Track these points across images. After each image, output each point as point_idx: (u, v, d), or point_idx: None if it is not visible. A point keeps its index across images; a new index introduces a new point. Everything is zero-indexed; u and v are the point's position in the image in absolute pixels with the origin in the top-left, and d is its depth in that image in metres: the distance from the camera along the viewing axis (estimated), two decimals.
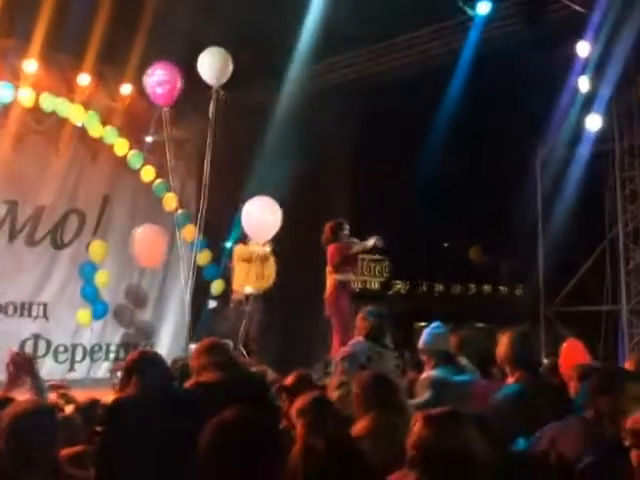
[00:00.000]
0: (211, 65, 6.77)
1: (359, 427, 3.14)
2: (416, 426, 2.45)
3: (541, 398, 3.58)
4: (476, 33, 8.44)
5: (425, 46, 8.94)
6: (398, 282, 12.82)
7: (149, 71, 6.85)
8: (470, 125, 9.84)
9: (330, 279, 7.61)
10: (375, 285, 12.59)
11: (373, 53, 9.30)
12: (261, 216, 7.72)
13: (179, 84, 6.85)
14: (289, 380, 4.11)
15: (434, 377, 3.94)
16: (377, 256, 12.04)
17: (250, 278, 8.22)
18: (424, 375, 4.03)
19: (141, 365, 3.21)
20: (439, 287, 13.56)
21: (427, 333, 4.45)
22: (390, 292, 12.65)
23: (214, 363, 3.62)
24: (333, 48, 9.11)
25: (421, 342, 4.45)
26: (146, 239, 8.57)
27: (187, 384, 3.61)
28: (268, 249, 8.61)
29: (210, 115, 6.77)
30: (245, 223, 7.79)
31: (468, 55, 8.67)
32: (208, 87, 7.74)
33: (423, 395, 4.06)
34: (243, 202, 8.19)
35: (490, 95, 9.23)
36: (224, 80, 6.84)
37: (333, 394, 4.38)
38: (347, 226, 7.69)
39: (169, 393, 3.18)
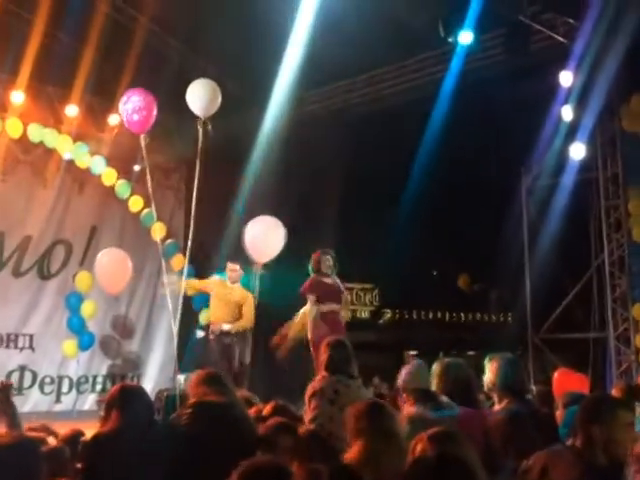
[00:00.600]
0: (200, 97, 6.81)
1: (349, 455, 3.13)
2: (419, 446, 2.52)
3: (529, 425, 3.57)
4: (458, 63, 8.55)
5: (409, 76, 9.04)
6: (388, 310, 12.84)
7: (124, 98, 6.87)
8: (455, 154, 9.94)
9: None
10: (365, 314, 12.59)
11: (357, 84, 9.39)
12: (264, 235, 7.69)
13: (155, 111, 6.89)
14: (266, 410, 4.10)
15: (412, 414, 3.92)
16: (367, 285, 12.05)
17: (227, 318, 8.14)
18: (403, 413, 4.01)
19: (121, 400, 3.20)
20: (428, 315, 13.60)
21: (406, 372, 4.43)
22: (380, 321, 12.65)
23: (213, 392, 3.64)
24: (317, 79, 9.20)
25: (400, 380, 4.43)
26: (110, 265, 8.48)
27: (187, 404, 3.65)
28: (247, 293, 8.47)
29: (199, 146, 6.79)
30: (247, 242, 7.75)
31: (450, 85, 8.77)
32: (194, 117, 7.79)
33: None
34: (229, 230, 8.20)
35: (475, 124, 9.36)
36: (212, 112, 6.88)
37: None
38: (328, 257, 7.66)
39: (150, 428, 3.16)
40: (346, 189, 10.39)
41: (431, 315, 13.46)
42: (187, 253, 7.20)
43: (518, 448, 3.26)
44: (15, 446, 2.69)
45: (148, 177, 6.91)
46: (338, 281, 7.74)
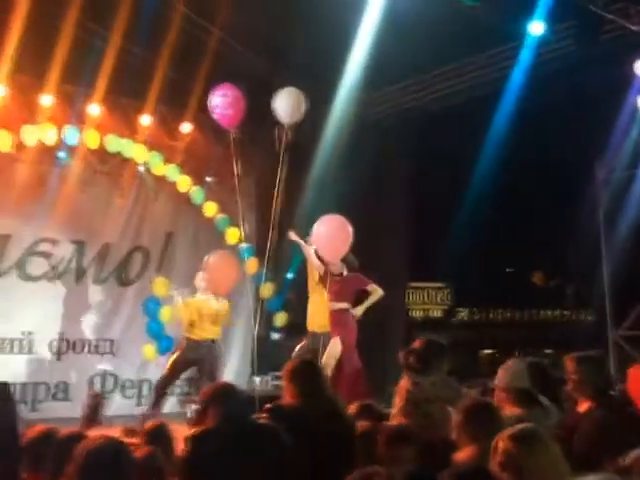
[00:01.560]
0: (287, 105, 6.96)
1: (464, 455, 3.11)
2: (501, 445, 2.50)
3: (617, 426, 3.50)
4: (528, 55, 8.41)
5: (477, 72, 8.93)
6: (461, 309, 12.71)
7: (218, 92, 7.04)
8: (525, 148, 9.77)
9: None
10: (437, 313, 12.49)
11: (424, 83, 9.32)
12: (331, 234, 7.72)
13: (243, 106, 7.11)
14: (352, 410, 4.10)
15: (519, 415, 3.84)
16: (439, 284, 11.96)
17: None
18: (507, 413, 3.93)
19: (219, 397, 3.22)
20: (503, 313, 13.40)
21: (505, 371, 4.35)
22: (453, 320, 12.54)
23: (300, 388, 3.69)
24: (381, 80, 9.17)
25: (499, 380, 4.36)
26: (219, 265, 8.56)
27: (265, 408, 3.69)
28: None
29: (280, 153, 6.92)
30: (316, 242, 7.80)
31: (520, 78, 8.63)
32: (265, 123, 7.89)
33: None
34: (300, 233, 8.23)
35: (545, 117, 9.18)
36: (297, 119, 7.02)
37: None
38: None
39: (247, 425, 3.16)
40: (414, 188, 10.33)
41: (506, 313, 13.26)
42: (267, 255, 7.30)
43: (607, 449, 3.20)
44: (106, 449, 2.73)
45: (235, 173, 7.02)
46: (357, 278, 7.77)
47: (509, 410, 3.97)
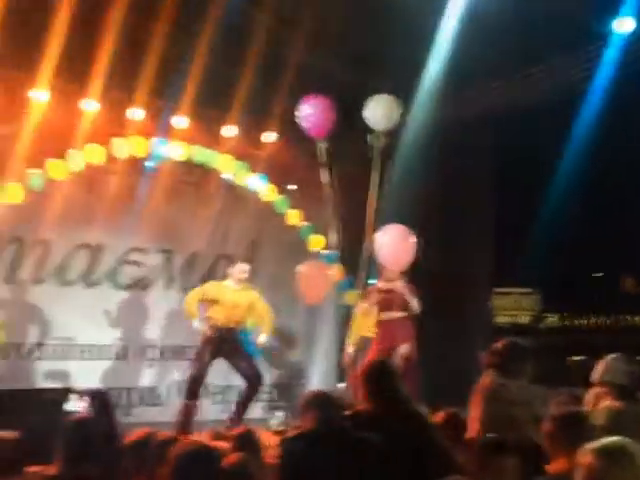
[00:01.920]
0: (380, 112, 7.02)
1: (556, 467, 3.02)
2: (584, 459, 2.43)
3: None
4: (614, 54, 8.16)
5: (561, 73, 8.72)
6: (549, 315, 12.40)
7: (309, 102, 7.14)
8: (614, 150, 9.50)
9: None
10: (525, 319, 12.25)
11: (508, 84, 9.17)
12: (392, 244, 7.67)
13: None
14: (439, 418, 4.05)
15: (618, 407, 3.75)
16: (526, 289, 11.71)
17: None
18: (602, 406, 3.85)
19: (317, 402, 3.23)
20: (592, 319, 13.01)
21: (604, 366, 4.27)
22: (541, 326, 12.25)
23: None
24: (466, 80, 9.07)
25: (597, 374, 4.28)
26: (311, 275, 8.61)
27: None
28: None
29: (375, 157, 6.98)
30: (378, 252, 7.77)
31: (605, 77, 8.38)
32: (348, 131, 7.91)
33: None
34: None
35: (634, 118, 8.90)
36: (391, 126, 7.08)
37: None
38: None
39: (342, 430, 3.16)
40: (498, 191, 10.17)
41: (595, 319, 12.85)
42: (365, 263, 7.35)
43: None
44: (196, 454, 2.77)
45: (326, 177, 7.09)
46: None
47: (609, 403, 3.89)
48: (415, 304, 7.93)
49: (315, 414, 3.11)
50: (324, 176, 7.78)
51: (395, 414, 3.50)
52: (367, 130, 7.28)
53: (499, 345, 4.63)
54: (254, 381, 8.25)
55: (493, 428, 4.15)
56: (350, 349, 8.30)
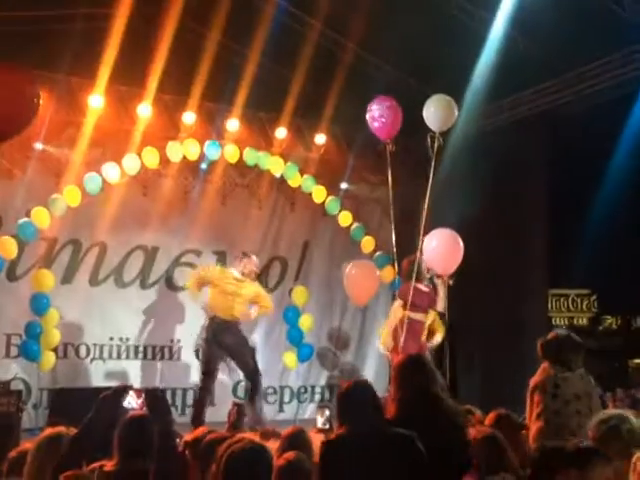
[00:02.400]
0: (440, 113, 7.03)
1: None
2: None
3: None
4: None
5: (615, 72, 8.51)
6: (608, 317, 12.13)
7: (380, 103, 7.18)
8: None
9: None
10: (583, 321, 11.99)
11: (561, 84, 9.00)
12: (441, 248, 7.57)
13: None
14: (489, 419, 4.00)
15: None
16: (584, 291, 11.48)
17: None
18: None
19: (349, 402, 3.18)
20: None
21: None
22: (600, 328, 11.98)
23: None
24: (518, 82, 8.95)
25: None
26: (359, 276, 8.57)
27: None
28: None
29: (432, 159, 6.99)
30: (426, 255, 7.68)
31: None
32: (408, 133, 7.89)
33: None
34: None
35: None
36: (449, 126, 7.08)
37: (533, 426, 4.25)
38: (424, 260, 7.47)
39: (380, 431, 3.12)
40: (550, 192, 9.97)
41: None
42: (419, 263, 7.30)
43: None
44: (245, 452, 2.77)
45: (390, 183, 7.11)
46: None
47: None
48: (441, 305, 7.85)
49: (348, 416, 3.06)
50: (385, 178, 7.74)
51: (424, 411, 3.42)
52: (424, 131, 7.22)
53: (552, 336, 4.55)
54: (255, 376, 8.34)
55: (556, 426, 4.07)
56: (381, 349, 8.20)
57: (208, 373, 8.25)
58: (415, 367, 3.64)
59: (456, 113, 7.23)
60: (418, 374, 3.56)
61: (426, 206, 7.24)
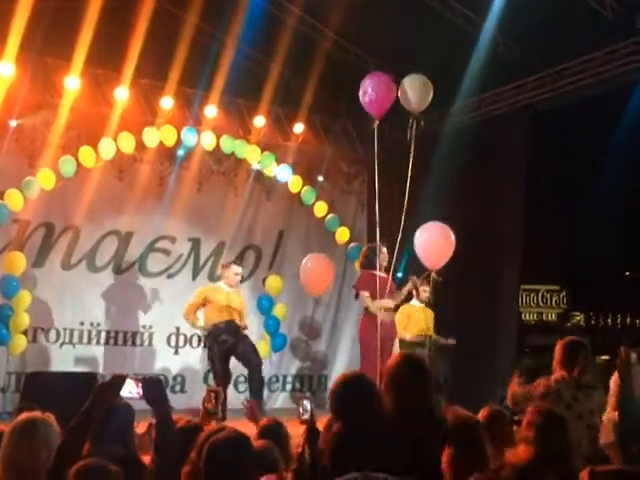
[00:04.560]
0: (414, 92, 6.93)
1: None
2: None
3: None
4: None
5: (596, 70, 8.60)
6: (577, 313, 12.30)
7: (378, 77, 7.06)
8: None
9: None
10: (552, 317, 12.13)
11: (543, 79, 9.07)
12: (432, 241, 7.55)
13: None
14: (482, 415, 3.91)
15: None
16: (554, 287, 11.61)
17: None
18: None
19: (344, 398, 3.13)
20: (621, 318, 12.87)
21: None
22: (568, 324, 12.15)
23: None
24: (503, 75, 9.00)
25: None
26: (314, 268, 8.58)
27: None
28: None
29: (411, 144, 6.91)
30: (417, 249, 7.66)
31: None
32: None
33: None
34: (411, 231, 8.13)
35: None
36: (424, 107, 7.00)
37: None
38: (383, 249, 7.51)
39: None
40: (531, 188, 10.07)
41: (624, 319, 12.73)
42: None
43: None
44: (228, 441, 2.77)
45: (376, 169, 7.02)
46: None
47: None
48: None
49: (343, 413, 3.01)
50: (349, 168, 7.71)
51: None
52: (404, 119, 7.20)
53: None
54: (259, 371, 8.24)
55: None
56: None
57: (218, 375, 8.14)
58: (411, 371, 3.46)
59: (429, 91, 7.15)
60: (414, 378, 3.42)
61: (407, 194, 7.20)
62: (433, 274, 7.38)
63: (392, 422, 2.99)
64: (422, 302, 8.75)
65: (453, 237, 7.26)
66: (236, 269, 8.39)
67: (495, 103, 9.54)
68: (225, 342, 8.04)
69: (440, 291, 8.38)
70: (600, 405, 4.35)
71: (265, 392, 9.78)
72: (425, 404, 3.19)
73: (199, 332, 8.86)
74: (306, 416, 3.35)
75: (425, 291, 8.63)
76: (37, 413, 3.14)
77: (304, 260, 8.26)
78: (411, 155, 7.04)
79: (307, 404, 3.40)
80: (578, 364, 4.25)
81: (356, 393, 3.06)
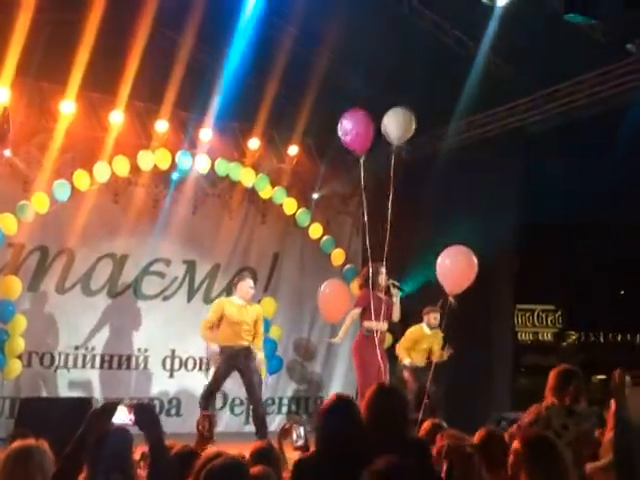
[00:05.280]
0: (397, 126, 7.03)
1: None
2: None
3: None
4: None
5: (589, 91, 8.65)
6: (572, 333, 12.29)
7: (353, 116, 7.15)
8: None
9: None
10: (547, 336, 12.13)
11: (535, 101, 9.12)
12: (454, 265, 7.56)
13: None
14: (478, 438, 3.87)
15: None
16: (549, 306, 11.62)
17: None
18: None
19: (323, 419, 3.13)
20: (616, 337, 12.87)
21: None
22: (564, 343, 12.14)
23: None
24: (495, 97, 9.06)
25: None
26: (332, 295, 8.59)
27: None
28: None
29: (392, 171, 7.00)
30: (439, 274, 7.69)
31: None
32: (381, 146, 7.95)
33: None
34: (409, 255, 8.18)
35: None
36: (407, 139, 7.08)
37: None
38: (382, 270, 7.58)
39: (350, 447, 3.03)
40: (522, 207, 10.10)
41: (619, 337, 12.73)
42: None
43: None
44: (225, 468, 2.77)
45: (364, 201, 7.11)
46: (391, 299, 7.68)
47: None
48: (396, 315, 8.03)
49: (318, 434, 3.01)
50: (343, 189, 7.79)
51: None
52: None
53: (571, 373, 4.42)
54: (259, 402, 8.22)
55: None
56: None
57: (212, 381, 8.21)
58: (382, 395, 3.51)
59: (412, 125, 7.25)
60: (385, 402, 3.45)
61: (389, 220, 7.27)
62: (451, 299, 7.39)
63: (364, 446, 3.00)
64: (432, 328, 8.77)
65: (476, 262, 7.29)
66: (250, 282, 8.34)
67: (487, 125, 9.60)
68: (233, 367, 8.09)
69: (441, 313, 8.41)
70: (588, 434, 4.33)
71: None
72: (398, 431, 3.20)
73: (206, 352, 8.75)
74: (300, 442, 3.34)
75: (435, 318, 8.66)
76: (31, 440, 3.11)
77: (322, 287, 8.23)
78: (391, 184, 7.13)
79: (301, 430, 3.39)
80: (570, 391, 4.27)
81: (334, 417, 3.06)
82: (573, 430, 4.14)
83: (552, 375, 4.40)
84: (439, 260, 7.40)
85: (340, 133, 7.34)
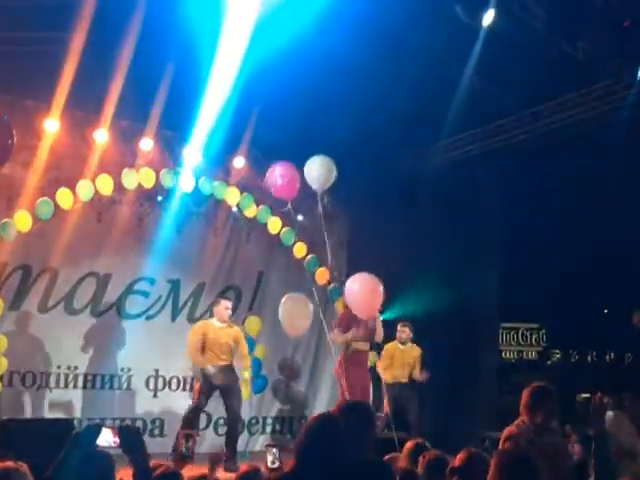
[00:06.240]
0: (317, 175, 7.40)
1: None
2: None
3: None
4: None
5: (573, 111, 8.75)
6: (557, 351, 12.32)
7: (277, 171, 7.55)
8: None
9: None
10: (532, 355, 12.15)
11: (519, 121, 9.20)
12: (361, 292, 7.72)
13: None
14: (460, 459, 3.84)
15: None
16: (533, 325, 11.66)
17: None
18: None
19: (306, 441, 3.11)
20: (601, 356, 12.90)
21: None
22: (549, 362, 12.16)
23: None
24: (477, 118, 9.14)
25: None
26: (293, 309, 8.67)
27: None
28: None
29: (322, 220, 7.44)
30: (348, 300, 7.89)
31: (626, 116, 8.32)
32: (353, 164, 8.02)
33: None
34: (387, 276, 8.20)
35: None
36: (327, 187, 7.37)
37: None
38: None
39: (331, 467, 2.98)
40: (504, 227, 10.17)
41: (604, 356, 12.76)
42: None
43: None
44: None
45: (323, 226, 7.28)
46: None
47: None
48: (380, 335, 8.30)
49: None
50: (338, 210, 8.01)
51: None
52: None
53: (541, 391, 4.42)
54: (237, 422, 8.42)
55: None
56: None
57: (195, 397, 8.31)
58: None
59: (334, 173, 7.59)
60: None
61: (329, 260, 7.50)
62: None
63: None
64: (404, 343, 8.91)
65: (381, 288, 7.44)
66: (225, 303, 8.50)
67: (471, 144, 9.66)
68: (215, 388, 8.24)
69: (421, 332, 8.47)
70: (557, 448, 4.34)
71: (245, 434, 9.71)
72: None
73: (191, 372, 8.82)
74: (276, 464, 3.33)
75: (404, 332, 8.76)
76: (10, 463, 3.07)
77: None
78: (323, 227, 7.36)
79: (277, 452, 3.38)
80: (542, 410, 4.27)
81: (312, 437, 3.06)
82: (541, 446, 4.15)
83: (525, 393, 4.42)
84: (347, 286, 7.59)
85: (267, 184, 7.71)
